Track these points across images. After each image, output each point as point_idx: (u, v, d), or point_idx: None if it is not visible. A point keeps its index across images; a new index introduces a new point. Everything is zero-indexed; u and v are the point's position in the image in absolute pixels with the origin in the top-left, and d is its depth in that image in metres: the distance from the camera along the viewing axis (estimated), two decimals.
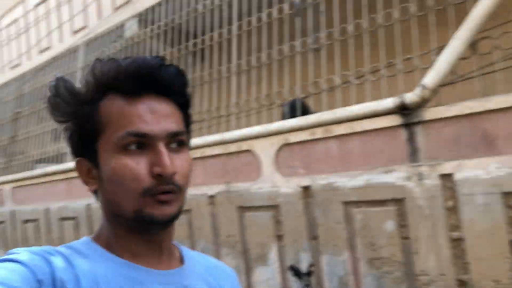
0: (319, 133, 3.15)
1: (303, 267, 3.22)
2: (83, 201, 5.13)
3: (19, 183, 6.30)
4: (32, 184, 6.05)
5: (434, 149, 2.67)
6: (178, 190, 0.74)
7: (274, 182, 3.39)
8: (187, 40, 4.37)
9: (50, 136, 6.10)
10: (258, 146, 3.48)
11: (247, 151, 3.55)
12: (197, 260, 0.88)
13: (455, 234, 2.59)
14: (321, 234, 3.16)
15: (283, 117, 3.71)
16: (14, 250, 0.70)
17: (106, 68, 0.74)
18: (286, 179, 3.33)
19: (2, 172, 6.91)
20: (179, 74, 0.77)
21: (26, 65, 7.16)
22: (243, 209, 3.61)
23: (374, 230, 2.91)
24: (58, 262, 0.69)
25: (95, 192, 0.79)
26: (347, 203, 3.03)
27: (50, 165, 5.87)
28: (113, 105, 0.73)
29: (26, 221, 6.13)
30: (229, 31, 3.99)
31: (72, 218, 5.36)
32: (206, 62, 4.15)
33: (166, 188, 0.72)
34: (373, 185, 2.90)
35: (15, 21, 7.37)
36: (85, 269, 0.70)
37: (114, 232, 0.77)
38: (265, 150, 3.43)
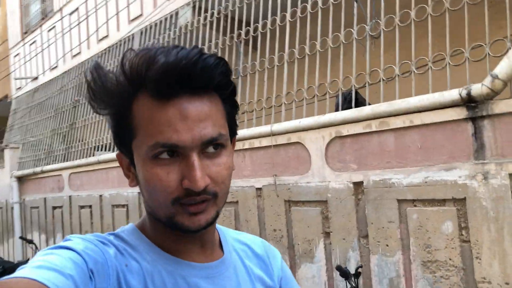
0: (374, 125, 2.95)
1: (351, 266, 3.04)
2: (134, 189, 5.18)
3: (76, 170, 6.50)
4: (87, 171, 6.22)
5: (503, 146, 2.42)
6: (212, 198, 0.70)
7: (323, 176, 3.23)
8: (240, 28, 4.29)
9: (106, 124, 6.23)
10: (308, 139, 3.33)
11: (296, 143, 3.41)
12: (234, 243, 0.87)
13: None
14: (371, 233, 2.97)
15: (336, 109, 3.54)
16: (69, 237, 0.70)
17: (136, 63, 0.66)
18: (336, 174, 3.17)
19: (61, 158, 7.17)
20: (218, 65, 0.68)
21: (86, 54, 7.38)
22: (290, 203, 3.48)
23: (431, 231, 2.69)
24: (110, 251, 0.69)
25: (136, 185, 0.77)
26: (402, 201, 2.83)
27: (107, 153, 6.00)
28: (143, 108, 0.67)
29: (82, 206, 6.32)
30: (283, 18, 3.86)
31: (123, 206, 5.46)
32: (258, 50, 4.04)
33: (197, 199, 0.68)
34: (431, 182, 2.68)
35: (76, 10, 7.61)
36: (133, 261, 0.71)
37: (155, 228, 0.76)
38: (315, 143, 3.28)
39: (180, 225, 0.69)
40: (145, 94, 0.67)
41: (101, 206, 5.88)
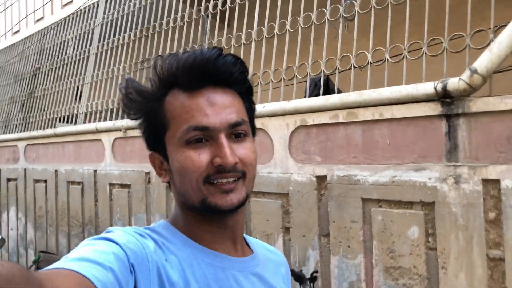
0: (341, 116, 2.71)
1: (310, 266, 2.84)
2: (90, 166, 4.88)
3: (32, 141, 6.11)
4: (44, 144, 5.85)
5: (478, 148, 2.21)
6: (242, 176, 0.75)
7: (286, 167, 2.99)
8: (208, 1, 3.94)
9: (68, 95, 5.85)
10: (271, 125, 3.07)
11: (259, 129, 3.15)
12: (258, 248, 0.91)
13: (495, 253, 2.15)
14: (333, 232, 2.76)
15: (306, 95, 3.28)
16: (111, 228, 0.73)
17: (166, 65, 0.75)
18: (299, 166, 2.93)
19: (19, 128, 6.75)
20: (236, 63, 0.76)
21: (49, 19, 6.89)
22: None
23: (395, 235, 2.49)
24: (150, 246, 0.71)
25: (168, 183, 0.81)
26: (366, 201, 2.61)
27: (67, 125, 5.63)
28: (176, 101, 0.75)
29: (37, 181, 5.96)
30: None
31: (79, 183, 5.13)
32: (225, 27, 3.72)
33: (228, 175, 0.73)
34: (399, 182, 2.47)
35: None
36: (172, 255, 0.72)
37: (188, 221, 0.79)
38: (279, 131, 3.02)
39: (213, 206, 0.73)
40: (176, 90, 0.76)
41: (56, 182, 5.54)
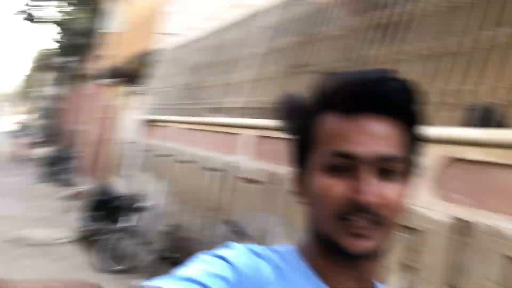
0: (500, 155, 2.30)
1: None
2: (227, 157, 5.13)
3: (182, 125, 6.73)
4: (191, 129, 6.39)
5: None
6: (379, 222, 0.65)
7: (421, 200, 2.65)
8: (374, 10, 3.75)
9: (222, 89, 6.20)
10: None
11: None
12: None
13: None
14: (461, 285, 2.36)
15: (467, 124, 2.88)
16: (232, 244, 0.71)
17: (327, 84, 0.72)
18: (437, 202, 2.58)
19: (183, 112, 7.33)
20: (402, 89, 0.68)
21: (225, 19, 7.35)
22: None
23: None
24: (267, 271, 0.68)
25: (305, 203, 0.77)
26: (509, 259, 2.17)
27: (218, 116, 6.03)
28: (327, 122, 0.71)
29: (180, 161, 6.47)
30: (426, 5, 3.23)
31: (214, 170, 5.39)
32: (388, 40, 3.49)
33: (363, 216, 0.65)
34: None
35: None
36: (289, 285, 0.68)
37: (315, 250, 0.74)
38: (426, 159, 2.69)
39: (338, 245, 0.67)
40: (331, 111, 0.70)
41: (195, 166, 5.94)
